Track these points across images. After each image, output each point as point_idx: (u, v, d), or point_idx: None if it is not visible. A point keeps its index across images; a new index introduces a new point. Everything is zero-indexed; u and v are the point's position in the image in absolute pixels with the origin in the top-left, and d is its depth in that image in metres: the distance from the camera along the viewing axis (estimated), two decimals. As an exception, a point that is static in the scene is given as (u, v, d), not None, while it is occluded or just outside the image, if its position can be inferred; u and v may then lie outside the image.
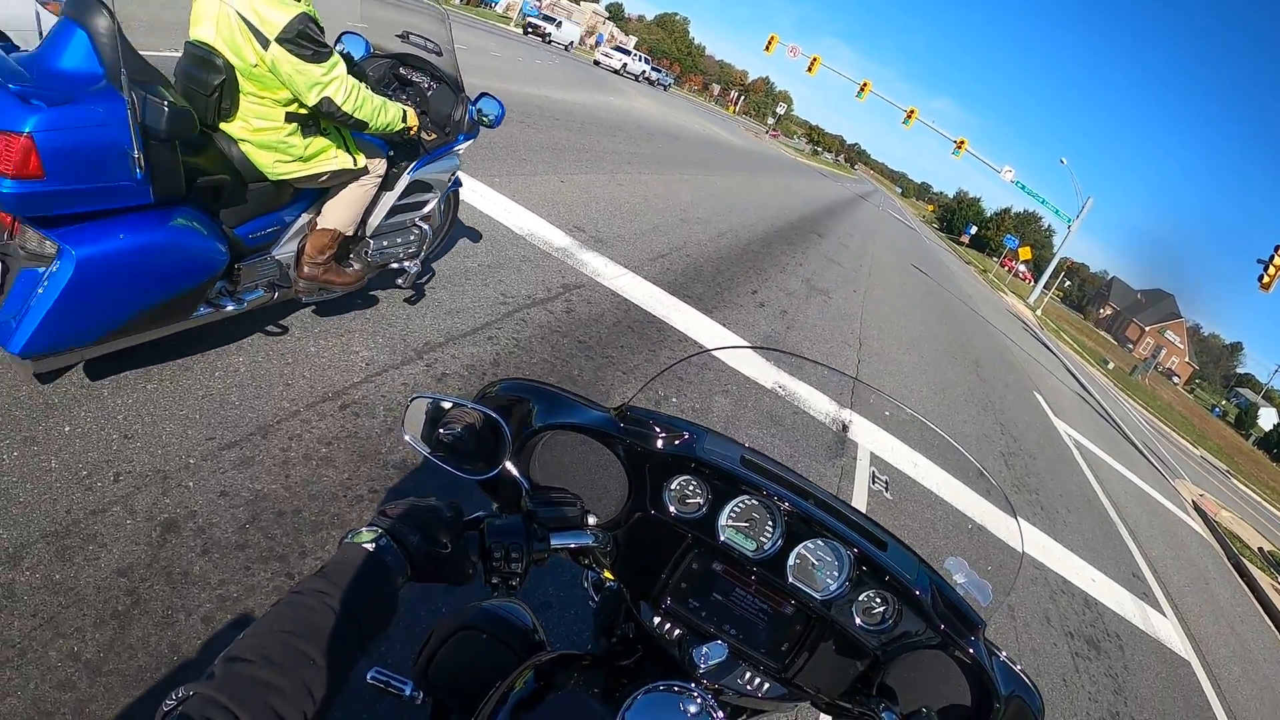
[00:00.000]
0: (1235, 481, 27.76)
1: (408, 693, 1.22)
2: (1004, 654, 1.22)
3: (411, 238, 3.90)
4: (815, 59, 41.07)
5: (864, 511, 1.30)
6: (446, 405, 1.13)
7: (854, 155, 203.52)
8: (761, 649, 1.17)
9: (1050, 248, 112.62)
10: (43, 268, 2.29)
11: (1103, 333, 76.92)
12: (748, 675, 1.15)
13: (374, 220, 3.60)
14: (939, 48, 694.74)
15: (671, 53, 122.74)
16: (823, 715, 1.32)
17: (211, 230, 2.74)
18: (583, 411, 1.23)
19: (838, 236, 18.96)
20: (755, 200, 16.99)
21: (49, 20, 2.70)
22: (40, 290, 2.28)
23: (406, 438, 1.11)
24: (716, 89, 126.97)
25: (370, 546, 0.85)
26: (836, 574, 1.16)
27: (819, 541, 1.16)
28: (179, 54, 2.82)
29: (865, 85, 40.40)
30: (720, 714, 0.96)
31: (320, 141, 3.03)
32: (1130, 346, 79.92)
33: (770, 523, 1.17)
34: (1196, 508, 13.40)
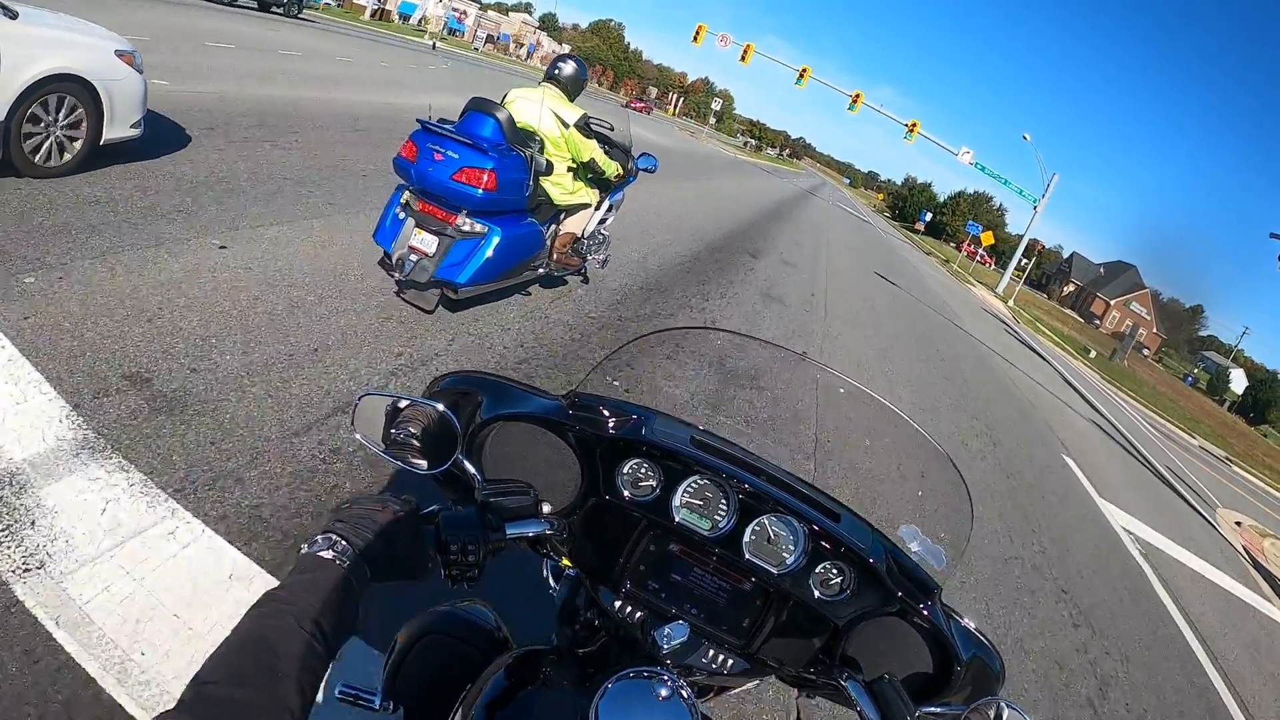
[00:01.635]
0: (1238, 470, 25.56)
1: (377, 704, 1.16)
2: (964, 619, 1.21)
3: (601, 239, 6.42)
4: (748, 47, 38.16)
5: (815, 485, 1.25)
6: (396, 402, 1.11)
7: (799, 149, 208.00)
8: (723, 626, 1.18)
9: (1003, 227, 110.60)
10: (476, 239, 4.49)
11: (1069, 311, 75.18)
12: (711, 653, 1.16)
13: (588, 228, 6.03)
14: (877, 36, 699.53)
15: (608, 60, 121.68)
16: (797, 690, 1.24)
17: (538, 226, 5.13)
18: (532, 400, 1.23)
19: (780, 252, 15.33)
20: (665, 216, 13.17)
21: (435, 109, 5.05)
22: (476, 252, 4.47)
23: (358, 435, 1.11)
24: (654, 92, 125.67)
25: (326, 554, 0.84)
26: (792, 548, 1.16)
27: (773, 517, 1.16)
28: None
29: (805, 71, 37.41)
30: (692, 697, 0.91)
31: (578, 183, 5.57)
32: (1097, 323, 78.44)
33: (724, 501, 1.17)
34: (1247, 553, 11.05)
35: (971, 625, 1.22)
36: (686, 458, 1.16)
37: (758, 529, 1.16)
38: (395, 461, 1.07)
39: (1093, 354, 33.33)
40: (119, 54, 5.23)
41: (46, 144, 4.81)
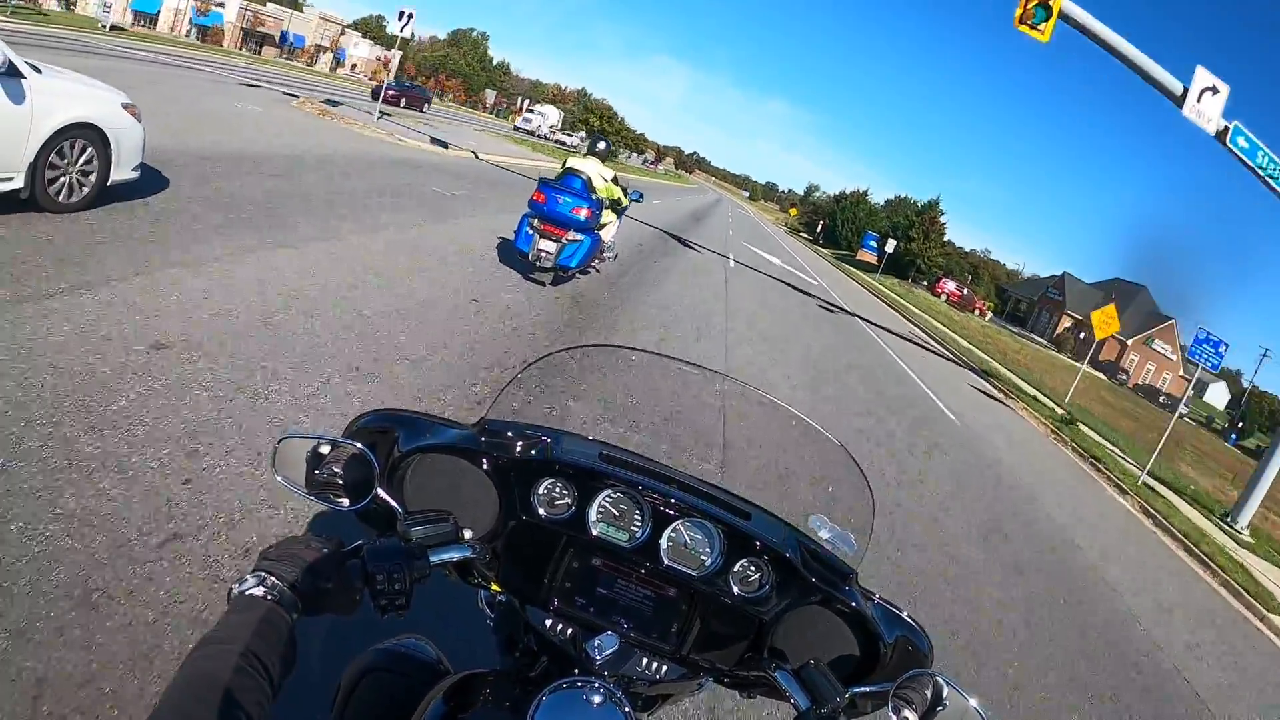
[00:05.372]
0: None
1: None
2: (878, 596, 1.32)
3: (613, 244, 11.88)
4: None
5: (724, 487, 1.37)
6: (314, 443, 1.16)
7: (693, 164, 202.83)
8: (653, 634, 1.25)
9: (942, 237, 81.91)
10: (577, 243, 9.85)
11: (1093, 370, 51.99)
12: (645, 661, 1.22)
13: (609, 238, 11.55)
14: (769, 49, 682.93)
15: (461, 70, 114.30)
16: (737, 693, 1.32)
17: (599, 236, 10.87)
18: (445, 431, 1.31)
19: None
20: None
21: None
22: (579, 250, 9.89)
23: (279, 479, 1.15)
24: (491, 97, 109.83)
25: (259, 592, 0.90)
26: (708, 550, 1.25)
27: (686, 522, 1.25)
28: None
29: None
30: (625, 701, 0.98)
31: (610, 213, 11.15)
32: (1124, 377, 60.11)
33: (637, 512, 1.25)
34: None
35: (893, 606, 1.31)
36: (597, 473, 1.25)
37: (673, 535, 1.24)
38: (318, 501, 1.13)
39: (1245, 527, 14.48)
40: (125, 106, 6.65)
41: (63, 183, 6.13)
